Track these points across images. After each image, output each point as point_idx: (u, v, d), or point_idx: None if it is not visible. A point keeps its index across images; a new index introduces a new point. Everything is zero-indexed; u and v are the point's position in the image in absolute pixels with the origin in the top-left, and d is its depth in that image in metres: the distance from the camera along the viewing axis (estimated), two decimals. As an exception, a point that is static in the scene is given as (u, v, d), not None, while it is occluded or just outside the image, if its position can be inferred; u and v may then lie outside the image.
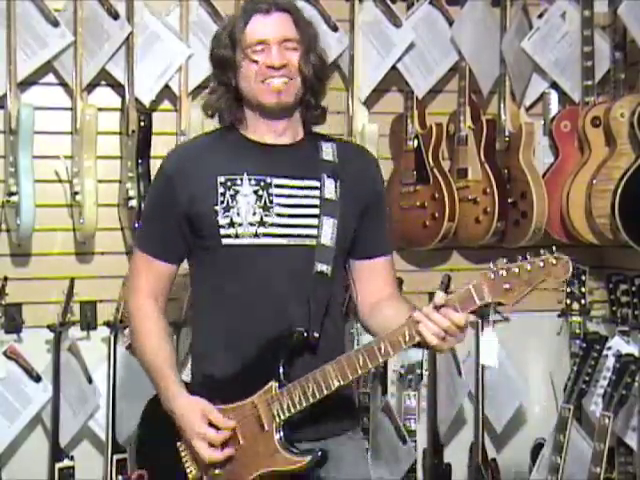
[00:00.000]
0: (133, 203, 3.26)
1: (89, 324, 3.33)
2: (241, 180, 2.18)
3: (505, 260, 1.99)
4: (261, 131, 2.22)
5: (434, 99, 3.64)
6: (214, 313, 2.22)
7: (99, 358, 3.31)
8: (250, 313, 2.17)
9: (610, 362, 3.28)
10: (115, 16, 3.26)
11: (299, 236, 2.18)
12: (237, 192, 2.17)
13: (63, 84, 3.30)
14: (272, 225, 2.17)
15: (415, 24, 3.51)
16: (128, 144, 3.31)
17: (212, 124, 3.30)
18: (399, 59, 3.49)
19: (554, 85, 3.62)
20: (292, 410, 2.10)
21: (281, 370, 2.12)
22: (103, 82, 3.36)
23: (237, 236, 2.16)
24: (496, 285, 1.96)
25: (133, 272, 2.32)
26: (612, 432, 3.13)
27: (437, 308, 1.98)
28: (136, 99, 3.31)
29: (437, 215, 3.47)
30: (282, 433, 2.11)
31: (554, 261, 1.95)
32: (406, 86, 3.54)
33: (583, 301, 3.46)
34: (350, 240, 2.25)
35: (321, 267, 2.18)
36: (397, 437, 3.40)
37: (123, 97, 3.33)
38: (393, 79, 3.55)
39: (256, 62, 2.15)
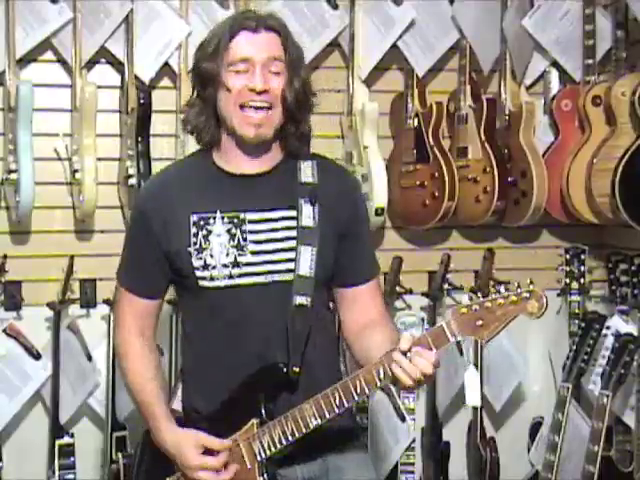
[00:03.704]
0: (133, 181, 3.26)
1: (89, 302, 3.34)
2: (214, 219, 2.11)
3: (479, 295, 1.96)
4: (236, 159, 2.14)
5: (434, 78, 3.63)
6: (198, 348, 2.21)
7: (99, 336, 3.32)
8: (231, 350, 2.14)
9: (609, 341, 3.30)
10: (115, -8, 3.26)
11: (276, 272, 2.12)
12: (210, 232, 2.11)
13: (62, 61, 3.29)
14: (247, 264, 2.10)
15: (416, 2, 3.49)
16: (127, 122, 3.30)
17: None
18: (399, 37, 3.48)
19: (555, 64, 3.61)
20: (272, 449, 2.07)
21: (262, 407, 2.09)
22: (102, 59, 3.35)
23: (212, 278, 2.11)
24: (469, 321, 1.92)
25: (117, 307, 2.29)
26: (610, 411, 3.16)
27: (409, 350, 1.94)
28: (136, 77, 3.29)
29: (437, 194, 3.46)
30: (265, 474, 2.08)
31: (527, 295, 1.91)
32: (406, 64, 3.53)
33: (582, 280, 3.48)
34: (331, 266, 2.17)
35: (300, 299, 2.11)
36: (396, 415, 3.42)
37: (123, 75, 3.32)
38: (393, 57, 3.53)
39: (236, 83, 2.05)
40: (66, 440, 3.22)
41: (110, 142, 3.35)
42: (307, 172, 2.17)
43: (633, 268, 3.37)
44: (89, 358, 3.31)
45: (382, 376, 1.97)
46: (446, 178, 3.45)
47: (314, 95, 2.16)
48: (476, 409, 3.49)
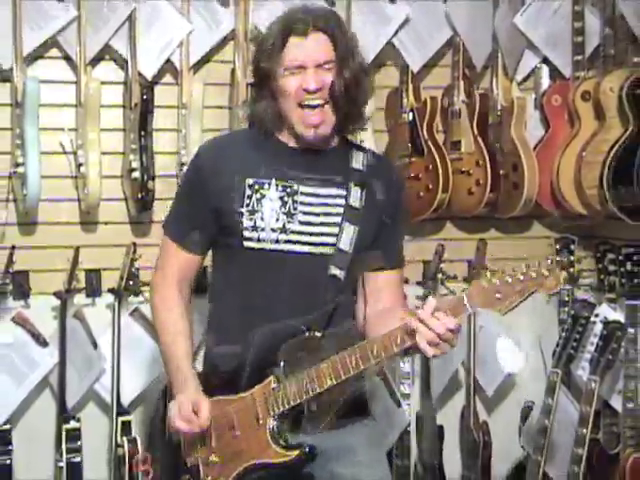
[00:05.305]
0: (136, 174, 3.32)
1: (94, 291, 3.39)
2: (269, 185, 2.22)
3: (498, 269, 2.02)
4: (295, 139, 2.26)
5: (429, 73, 3.69)
6: (227, 307, 2.30)
7: (104, 324, 3.37)
8: (261, 311, 2.22)
9: (597, 328, 3.37)
10: (118, -9, 3.32)
11: (320, 244, 2.23)
12: (263, 196, 2.21)
13: (67, 58, 3.35)
14: (293, 232, 2.21)
15: (410, 0, 3.56)
16: (131, 117, 3.36)
17: (212, 97, 3.42)
18: (395, 34, 3.54)
19: (545, 60, 3.68)
20: (286, 405, 2.16)
21: (281, 366, 2.18)
22: (107, 57, 3.41)
23: (259, 240, 2.21)
24: (488, 294, 1.98)
25: (161, 255, 2.37)
26: (598, 395, 3.23)
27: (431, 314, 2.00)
28: (139, 73, 3.35)
29: (431, 186, 3.52)
30: (274, 426, 2.18)
31: (546, 273, 1.98)
32: (401, 61, 3.60)
33: (572, 269, 3.51)
34: (368, 246, 2.27)
35: (334, 271, 2.22)
36: (392, 401, 3.49)
37: (126, 71, 3.38)
38: (389, 54, 3.60)
39: (291, 85, 2.17)
40: (73, 425, 3.28)
41: (114, 137, 3.41)
42: (359, 160, 2.30)
43: (620, 258, 3.43)
44: (94, 346, 3.35)
45: (399, 342, 2.04)
46: (440, 171, 3.51)
47: (367, 84, 2.26)
48: (470, 391, 3.58)
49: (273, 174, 2.23)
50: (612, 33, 3.50)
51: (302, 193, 2.23)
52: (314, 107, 2.18)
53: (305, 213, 2.22)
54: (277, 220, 2.21)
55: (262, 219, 2.21)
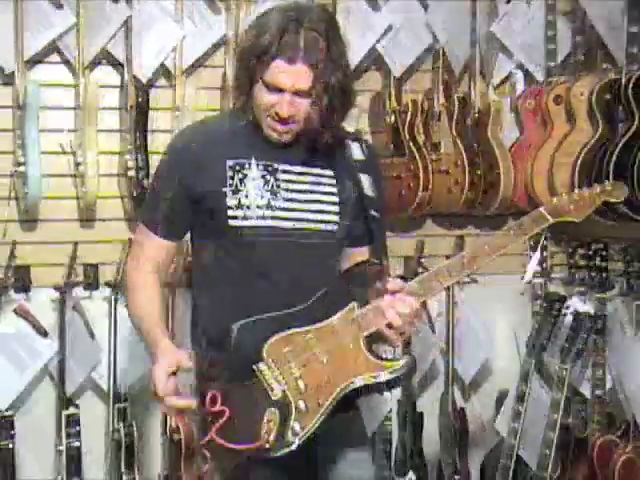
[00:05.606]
0: (132, 173, 3.44)
1: (91, 284, 3.50)
2: (249, 165, 2.21)
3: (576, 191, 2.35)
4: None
5: (410, 78, 3.82)
6: (215, 292, 2.27)
7: (101, 315, 3.49)
8: (249, 296, 2.21)
9: (568, 320, 3.53)
10: (115, -1, 3.46)
11: (307, 220, 2.23)
12: (245, 176, 2.20)
13: (67, 62, 3.47)
14: (279, 209, 2.21)
15: (393, 8, 3.71)
16: (127, 118, 3.49)
17: (205, 100, 3.55)
18: (378, 41, 3.69)
19: (520, 66, 3.84)
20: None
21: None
22: (104, 61, 3.53)
23: (245, 217, 2.20)
24: (563, 207, 2.30)
25: (135, 242, 2.39)
26: (569, 383, 3.38)
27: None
28: (134, 77, 3.48)
29: (412, 185, 3.65)
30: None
31: (610, 187, 2.33)
32: (384, 66, 3.74)
33: (545, 264, 3.71)
34: (358, 237, 2.31)
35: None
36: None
37: (122, 75, 3.51)
38: (372, 59, 3.74)
39: (265, 100, 2.16)
40: (72, 411, 3.40)
41: (111, 137, 3.53)
42: (352, 153, 2.30)
43: (590, 253, 3.60)
44: (92, 336, 3.50)
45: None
46: (420, 171, 3.64)
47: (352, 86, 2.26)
48: (448, 379, 3.76)
49: (252, 154, 2.22)
50: (582, 41, 3.67)
51: (283, 171, 2.24)
52: (285, 124, 2.18)
53: (287, 190, 2.23)
54: (262, 197, 2.20)
55: (246, 197, 2.20)
